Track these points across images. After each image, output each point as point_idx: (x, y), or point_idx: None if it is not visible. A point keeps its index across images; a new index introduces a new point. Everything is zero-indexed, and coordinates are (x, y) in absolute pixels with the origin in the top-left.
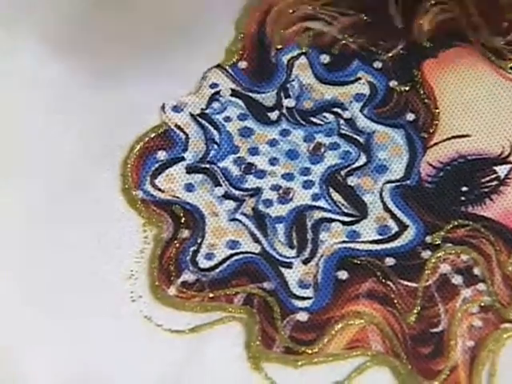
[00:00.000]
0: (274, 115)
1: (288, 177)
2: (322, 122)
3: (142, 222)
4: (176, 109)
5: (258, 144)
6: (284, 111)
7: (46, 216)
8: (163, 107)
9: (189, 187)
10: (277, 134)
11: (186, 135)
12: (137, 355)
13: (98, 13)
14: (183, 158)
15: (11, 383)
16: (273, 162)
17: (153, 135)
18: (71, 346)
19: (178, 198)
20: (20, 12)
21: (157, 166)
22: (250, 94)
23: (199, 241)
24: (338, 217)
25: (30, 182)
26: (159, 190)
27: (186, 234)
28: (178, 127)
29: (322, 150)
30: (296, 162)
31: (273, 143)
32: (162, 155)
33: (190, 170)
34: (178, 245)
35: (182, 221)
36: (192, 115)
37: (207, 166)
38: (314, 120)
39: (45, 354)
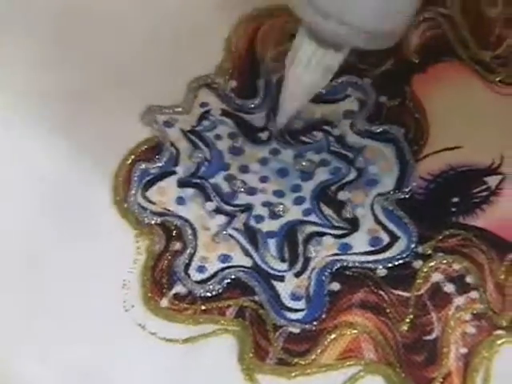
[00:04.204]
0: (264, 135)
1: (279, 193)
2: (311, 140)
3: (134, 233)
4: (167, 124)
5: (248, 162)
6: (274, 131)
7: (41, 228)
8: (155, 121)
9: (180, 201)
10: (267, 153)
11: (177, 150)
12: (130, 360)
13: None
14: (174, 172)
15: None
16: (263, 179)
17: (144, 148)
18: (65, 347)
19: (169, 210)
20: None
21: (148, 178)
22: (240, 114)
23: (191, 253)
24: (329, 230)
25: (20, 195)
26: (150, 202)
27: (177, 246)
28: (169, 142)
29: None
30: (286, 180)
31: (263, 162)
32: (152, 168)
33: (181, 183)
34: (169, 257)
35: (174, 233)
36: (183, 131)
37: (198, 181)
38: (304, 138)
39: (39, 355)
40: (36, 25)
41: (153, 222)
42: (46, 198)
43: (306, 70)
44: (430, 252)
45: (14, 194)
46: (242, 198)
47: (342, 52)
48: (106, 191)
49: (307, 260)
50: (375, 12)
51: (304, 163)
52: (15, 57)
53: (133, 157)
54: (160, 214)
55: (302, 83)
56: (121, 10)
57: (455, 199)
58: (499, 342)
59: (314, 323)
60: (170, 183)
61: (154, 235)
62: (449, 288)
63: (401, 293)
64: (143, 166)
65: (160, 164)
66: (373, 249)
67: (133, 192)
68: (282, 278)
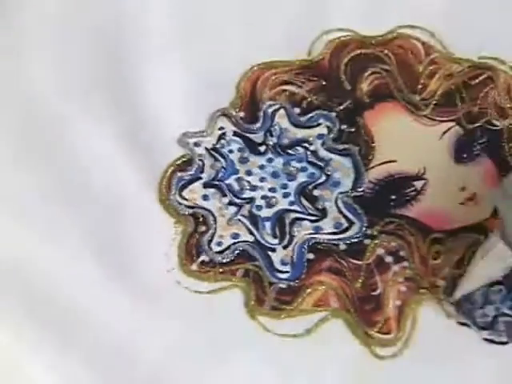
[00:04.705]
0: (262, 148)
1: (273, 190)
2: (295, 153)
3: (173, 221)
4: (195, 144)
5: (251, 168)
6: (269, 146)
7: (107, 223)
8: (187, 143)
9: (205, 197)
10: (264, 161)
11: (203, 162)
12: (170, 307)
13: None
14: (201, 178)
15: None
16: (262, 179)
17: (180, 162)
18: (117, 298)
19: (197, 204)
20: None
21: (183, 183)
22: (246, 134)
23: (212, 233)
24: (306, 217)
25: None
26: (185, 199)
27: (203, 228)
28: (197, 157)
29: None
30: (278, 180)
31: (262, 167)
32: (186, 176)
33: (206, 185)
34: (197, 236)
35: (200, 220)
36: (206, 148)
37: (217, 183)
38: (290, 151)
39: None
40: None
41: (186, 213)
42: (105, 196)
43: (493, 265)
44: (375, 233)
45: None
46: (247, 194)
47: None
48: (154, 192)
49: (292, 237)
50: None
51: (290, 169)
52: None
53: (172, 168)
54: (191, 207)
55: (485, 274)
56: None
57: (393, 197)
58: (422, 297)
59: (296, 281)
60: (197, 186)
61: (187, 222)
62: (388, 259)
63: (355, 261)
64: (179, 174)
65: (191, 173)
66: (336, 230)
67: (172, 192)
68: (274, 250)
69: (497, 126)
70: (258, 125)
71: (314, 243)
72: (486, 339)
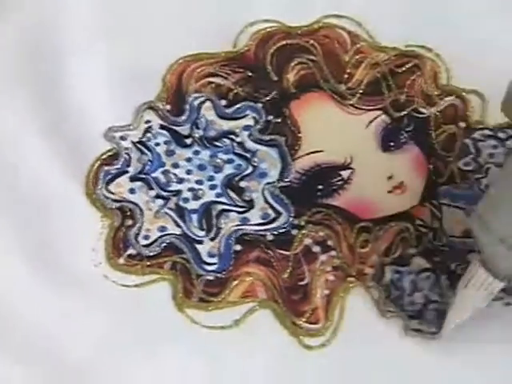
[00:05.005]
0: (188, 141)
1: (199, 182)
2: (221, 145)
3: (100, 215)
4: (122, 138)
5: (178, 160)
6: (196, 138)
7: (35, 219)
8: (113, 137)
9: (132, 191)
10: (191, 154)
11: (129, 156)
12: (96, 300)
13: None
14: (127, 171)
15: None
16: (188, 172)
17: (106, 156)
18: (48, 289)
19: (124, 198)
20: None
21: (110, 176)
22: (173, 127)
23: (139, 227)
24: (233, 208)
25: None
26: (111, 193)
27: (130, 222)
28: (124, 150)
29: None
30: (204, 172)
31: (188, 160)
32: (112, 169)
33: (132, 179)
34: (124, 230)
35: (127, 214)
36: (133, 142)
37: (143, 176)
38: (216, 143)
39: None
40: None
41: (113, 207)
42: (33, 191)
43: (476, 293)
44: (303, 223)
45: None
46: (174, 186)
47: (507, 280)
48: (80, 186)
49: (219, 229)
50: None
51: (217, 161)
52: None
53: (98, 162)
54: (118, 201)
55: (470, 303)
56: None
57: (320, 186)
58: (350, 285)
59: (224, 273)
60: (124, 179)
61: (113, 215)
62: (316, 249)
63: (283, 252)
64: (106, 168)
65: (117, 166)
66: (264, 221)
67: (99, 186)
68: (201, 242)
69: (424, 114)
70: (185, 117)
71: (241, 234)
72: (414, 329)
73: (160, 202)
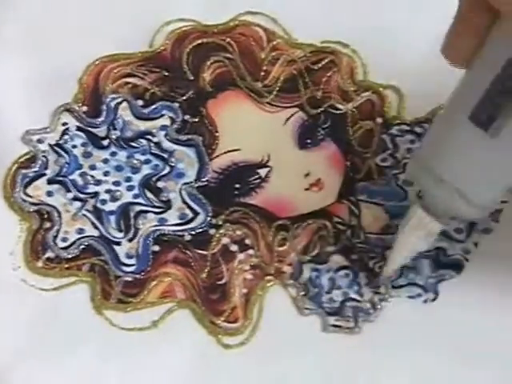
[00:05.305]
0: (105, 142)
1: (117, 183)
2: (138, 146)
3: (18, 219)
4: (39, 141)
5: (95, 162)
6: (113, 139)
7: None
8: (30, 140)
9: (49, 194)
10: (108, 155)
11: (46, 158)
12: (14, 304)
13: None
14: (45, 174)
15: None
16: (106, 173)
17: (24, 159)
18: None
19: (42, 201)
20: None
21: (27, 180)
22: (89, 129)
23: (57, 229)
24: (151, 209)
25: None
26: (29, 196)
27: (48, 225)
28: (41, 153)
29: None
30: (122, 173)
31: (105, 161)
32: (30, 173)
33: (50, 181)
34: (42, 232)
35: (45, 216)
36: (50, 145)
37: (61, 178)
38: (133, 144)
39: None
40: None
41: (31, 210)
42: None
43: (415, 234)
44: (220, 223)
45: None
46: (92, 188)
47: (445, 221)
48: None
49: (136, 230)
50: (498, 192)
51: (134, 161)
52: None
53: (16, 165)
54: (36, 204)
55: (411, 244)
56: None
57: (237, 185)
58: (269, 284)
59: (142, 274)
60: (42, 182)
61: (32, 219)
62: (233, 248)
63: (201, 251)
64: (23, 171)
65: (35, 169)
66: (181, 221)
67: (17, 190)
68: (119, 243)
69: (340, 110)
70: (102, 118)
71: (159, 235)
72: (333, 325)
73: (78, 204)
